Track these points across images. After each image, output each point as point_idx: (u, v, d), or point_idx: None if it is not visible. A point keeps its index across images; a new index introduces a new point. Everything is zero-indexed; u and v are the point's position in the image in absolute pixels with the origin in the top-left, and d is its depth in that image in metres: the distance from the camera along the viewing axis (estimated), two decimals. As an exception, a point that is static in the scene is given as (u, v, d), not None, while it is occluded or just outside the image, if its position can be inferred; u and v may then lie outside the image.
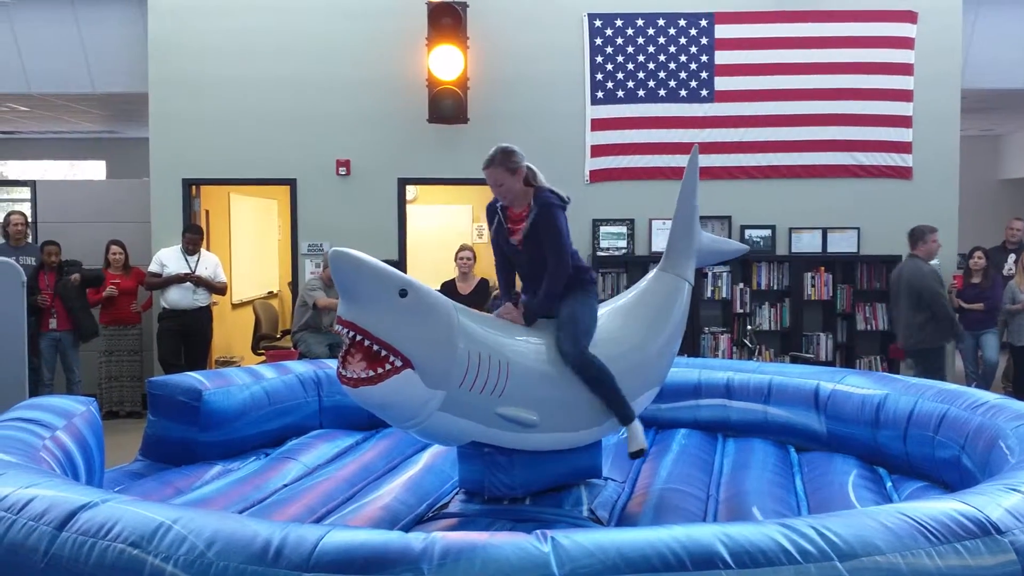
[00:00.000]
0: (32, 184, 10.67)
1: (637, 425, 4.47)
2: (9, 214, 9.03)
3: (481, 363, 3.99)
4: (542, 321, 4.39)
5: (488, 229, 4.60)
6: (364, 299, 3.77)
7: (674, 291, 4.91)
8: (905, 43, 9.31)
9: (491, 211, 4.52)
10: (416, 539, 2.48)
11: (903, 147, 9.36)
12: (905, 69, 9.32)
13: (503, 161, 4.30)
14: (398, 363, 3.78)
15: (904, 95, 9.32)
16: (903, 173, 9.38)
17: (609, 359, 4.40)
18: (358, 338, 3.77)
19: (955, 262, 9.53)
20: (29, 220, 9.48)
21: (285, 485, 4.75)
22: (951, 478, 4.49)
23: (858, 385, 5.39)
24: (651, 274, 5.05)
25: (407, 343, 3.80)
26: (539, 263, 4.38)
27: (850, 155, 9.37)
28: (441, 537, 2.50)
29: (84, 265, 9.19)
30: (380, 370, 3.76)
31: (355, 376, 3.78)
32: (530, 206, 4.35)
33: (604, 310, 4.75)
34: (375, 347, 3.76)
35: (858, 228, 9.37)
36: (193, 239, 9.08)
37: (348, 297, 3.80)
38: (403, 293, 3.81)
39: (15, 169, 16.74)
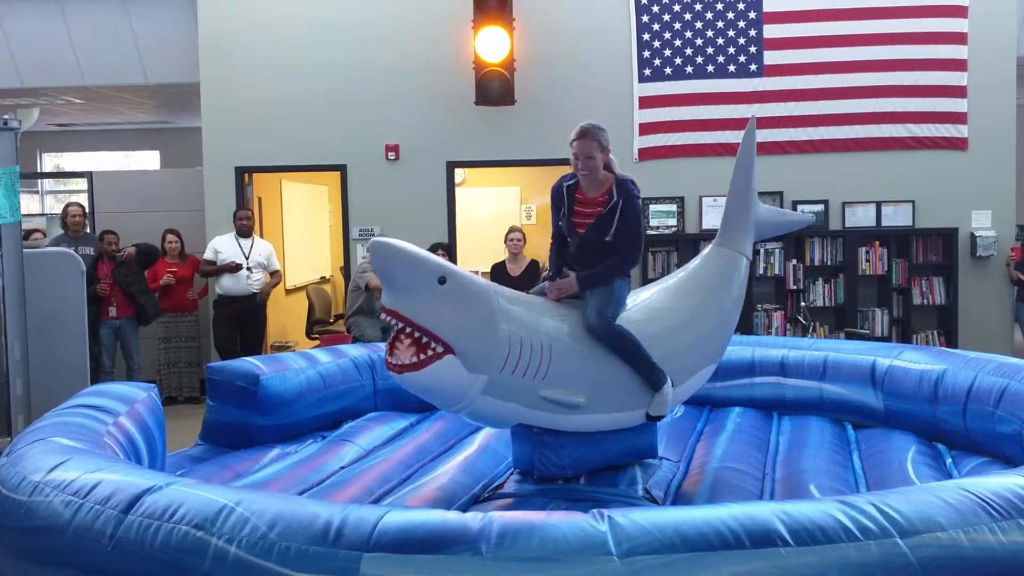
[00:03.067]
0: (88, 175, 10.86)
1: (668, 390, 4.32)
2: (67, 205, 9.16)
3: (523, 346, 4.00)
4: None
5: (552, 211, 4.52)
6: (404, 287, 3.84)
7: (731, 266, 4.85)
8: (958, 11, 9.09)
9: (557, 192, 4.43)
10: (474, 519, 2.51)
11: (958, 118, 9.16)
12: (959, 38, 9.11)
13: (596, 135, 4.26)
14: (440, 349, 3.83)
15: (958, 64, 9.11)
16: (958, 144, 9.20)
17: (660, 335, 4.38)
18: (402, 326, 3.81)
19: (1013, 234, 9.33)
20: (87, 211, 9.63)
21: (342, 467, 4.80)
22: (1013, 453, 4.42)
23: (916, 360, 5.31)
24: (707, 249, 4.98)
25: (448, 329, 3.84)
26: (593, 251, 4.32)
27: (903, 127, 9.20)
28: (499, 516, 2.51)
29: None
30: (423, 356, 3.82)
31: (400, 363, 3.84)
32: (609, 193, 4.30)
33: (657, 288, 4.73)
34: (417, 334, 3.81)
35: (913, 201, 9.21)
36: (245, 214, 9.18)
37: (390, 286, 3.87)
38: (442, 280, 3.85)
39: (71, 161, 17.03)
